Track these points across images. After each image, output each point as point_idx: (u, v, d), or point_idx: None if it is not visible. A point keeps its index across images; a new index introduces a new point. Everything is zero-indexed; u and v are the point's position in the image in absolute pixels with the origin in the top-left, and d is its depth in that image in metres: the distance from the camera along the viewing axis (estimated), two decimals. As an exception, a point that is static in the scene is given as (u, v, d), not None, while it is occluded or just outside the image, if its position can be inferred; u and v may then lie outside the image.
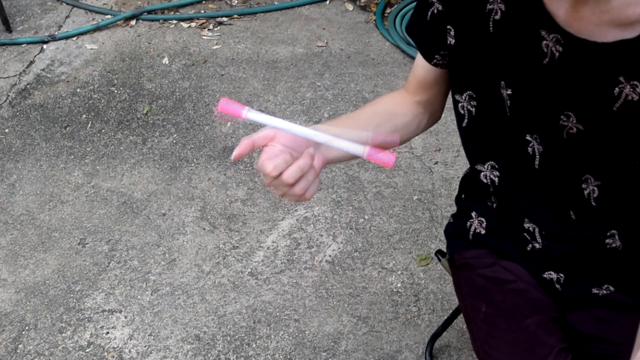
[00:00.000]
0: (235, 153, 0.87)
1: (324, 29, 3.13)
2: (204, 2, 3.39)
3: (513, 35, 0.96)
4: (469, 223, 1.22)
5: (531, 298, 1.12)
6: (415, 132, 1.17)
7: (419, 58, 1.13)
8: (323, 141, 0.87)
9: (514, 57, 0.98)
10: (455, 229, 1.27)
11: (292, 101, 2.71)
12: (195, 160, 2.49)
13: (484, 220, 1.20)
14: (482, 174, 1.16)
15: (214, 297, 2.02)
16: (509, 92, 1.01)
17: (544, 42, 0.93)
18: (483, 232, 1.20)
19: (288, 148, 0.89)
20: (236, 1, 3.39)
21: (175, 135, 2.61)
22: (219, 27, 3.20)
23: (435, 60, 1.10)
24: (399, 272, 2.05)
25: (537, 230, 1.13)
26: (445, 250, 1.43)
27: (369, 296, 1.99)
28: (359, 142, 0.85)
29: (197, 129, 2.62)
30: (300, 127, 0.86)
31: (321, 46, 3.02)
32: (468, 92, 1.09)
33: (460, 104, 1.12)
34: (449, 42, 1.05)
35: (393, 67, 2.86)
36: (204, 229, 2.23)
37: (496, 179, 1.15)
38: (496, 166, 1.14)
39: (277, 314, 1.96)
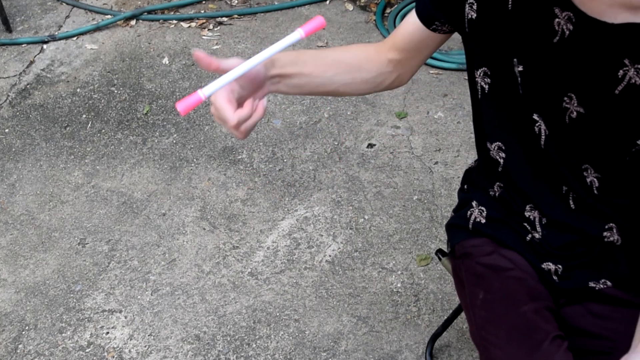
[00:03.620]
0: (198, 54, 0.92)
1: (324, 29, 3.13)
2: (204, 2, 3.39)
3: (529, 12, 0.98)
4: (469, 212, 1.23)
5: (529, 286, 1.13)
6: (373, 89, 1.18)
7: (412, 17, 1.12)
8: (269, 57, 0.92)
9: (528, 34, 0.99)
10: (455, 220, 1.28)
11: (292, 101, 2.71)
12: (195, 160, 2.49)
13: (485, 210, 1.21)
14: (490, 153, 1.18)
15: (214, 297, 2.02)
16: (520, 68, 1.02)
17: (556, 20, 0.95)
18: (483, 221, 1.21)
19: (240, 81, 0.96)
20: (236, 1, 3.39)
21: (175, 135, 2.61)
22: (219, 27, 3.20)
23: (434, 26, 1.10)
24: (399, 272, 2.04)
25: (537, 219, 1.14)
26: (445, 249, 1.43)
27: (369, 296, 1.99)
28: (291, 37, 0.91)
29: (197, 129, 2.62)
30: (246, 64, 0.92)
31: (321, 46, 3.02)
32: (483, 68, 1.10)
33: (475, 79, 1.12)
34: (470, 16, 1.05)
35: (393, 67, 2.86)
36: (204, 229, 2.23)
37: (501, 161, 1.16)
38: (503, 147, 1.15)
39: (277, 314, 1.96)
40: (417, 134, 2.51)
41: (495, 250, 1.18)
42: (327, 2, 3.30)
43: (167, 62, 2.98)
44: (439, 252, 1.44)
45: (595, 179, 1.04)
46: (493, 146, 1.16)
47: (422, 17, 1.10)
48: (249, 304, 2.00)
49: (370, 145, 2.48)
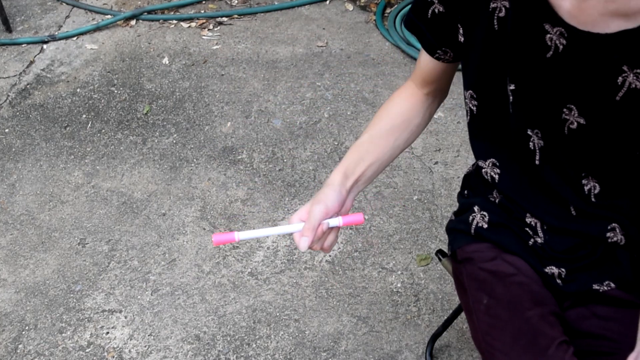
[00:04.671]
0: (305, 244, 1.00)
1: (324, 29, 3.13)
2: (204, 2, 3.39)
3: (517, 31, 0.98)
4: (471, 217, 1.23)
5: (533, 291, 1.13)
6: (427, 123, 1.24)
7: (424, 53, 1.16)
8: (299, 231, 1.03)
9: (518, 52, 0.99)
10: (457, 225, 1.27)
11: (292, 101, 2.71)
12: (195, 160, 2.49)
13: (487, 214, 1.21)
14: (484, 170, 1.18)
15: (214, 297, 2.02)
16: (512, 87, 1.03)
17: (548, 35, 0.95)
18: (485, 226, 1.21)
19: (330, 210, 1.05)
20: (236, 1, 3.39)
21: (175, 135, 2.61)
22: (219, 27, 3.20)
23: (437, 55, 1.14)
24: (399, 272, 2.05)
25: (538, 224, 1.14)
26: (445, 250, 1.43)
27: (369, 296, 1.99)
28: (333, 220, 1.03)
29: (197, 129, 2.62)
30: (281, 228, 1.03)
31: (321, 46, 3.02)
32: (470, 91, 1.12)
33: (465, 100, 1.15)
34: (459, 39, 1.07)
35: (393, 67, 2.86)
36: (204, 229, 2.23)
37: (497, 176, 1.17)
38: (497, 164, 1.16)
39: (277, 314, 1.96)
40: (417, 134, 2.51)
41: (497, 255, 1.18)
42: (327, 2, 3.30)
43: (167, 62, 2.98)
44: (439, 252, 1.44)
45: (594, 186, 1.04)
46: (487, 163, 1.17)
47: (426, 47, 1.15)
48: (249, 304, 2.00)
49: (370, 145, 2.48)
